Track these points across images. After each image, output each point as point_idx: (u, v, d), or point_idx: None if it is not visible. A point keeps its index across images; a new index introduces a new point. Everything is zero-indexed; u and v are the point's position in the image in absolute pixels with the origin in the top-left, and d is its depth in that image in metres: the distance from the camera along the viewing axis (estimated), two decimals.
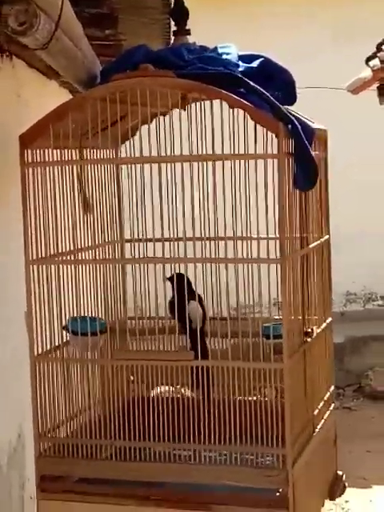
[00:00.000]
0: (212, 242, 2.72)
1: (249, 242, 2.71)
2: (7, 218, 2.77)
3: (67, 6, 2.74)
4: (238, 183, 2.66)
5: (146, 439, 2.73)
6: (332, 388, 3.25)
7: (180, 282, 2.72)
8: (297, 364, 2.72)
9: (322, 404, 3.07)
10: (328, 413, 3.17)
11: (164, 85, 2.62)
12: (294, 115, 2.71)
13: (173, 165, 2.68)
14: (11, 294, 2.83)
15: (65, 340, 2.87)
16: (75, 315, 2.87)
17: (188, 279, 2.80)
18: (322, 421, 3.06)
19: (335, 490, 3.20)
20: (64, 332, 2.88)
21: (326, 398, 3.14)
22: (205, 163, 2.65)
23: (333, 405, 3.25)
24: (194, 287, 2.81)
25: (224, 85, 2.61)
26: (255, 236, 2.64)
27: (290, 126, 2.58)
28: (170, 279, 2.71)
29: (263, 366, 2.64)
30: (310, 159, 2.61)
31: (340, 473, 3.35)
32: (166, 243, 2.74)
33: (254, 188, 2.63)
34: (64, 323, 2.84)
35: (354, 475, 3.48)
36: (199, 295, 2.83)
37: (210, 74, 2.63)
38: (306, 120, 2.78)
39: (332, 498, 3.19)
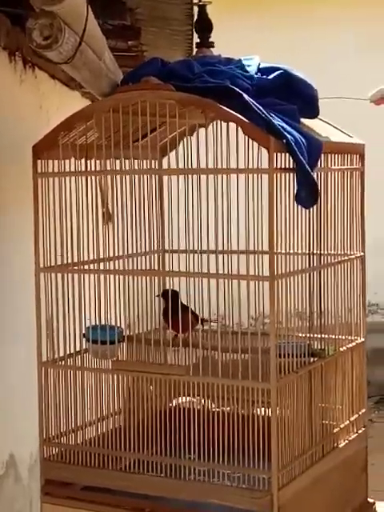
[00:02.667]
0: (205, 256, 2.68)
1: (245, 256, 2.65)
2: (28, 227, 2.84)
3: (91, 18, 2.78)
4: (233, 197, 2.61)
5: (140, 451, 2.73)
6: (362, 411, 3.13)
7: (170, 297, 2.74)
8: (294, 384, 2.64)
9: (341, 428, 2.96)
10: (354, 436, 3.05)
11: (163, 97, 2.62)
12: (300, 130, 2.63)
13: (169, 177, 2.68)
14: (31, 302, 2.90)
15: (78, 348, 2.92)
16: (93, 324, 2.91)
17: (176, 294, 2.81)
18: (342, 445, 2.95)
19: None
20: (78, 339, 2.92)
21: (349, 422, 3.02)
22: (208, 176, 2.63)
23: (363, 429, 3.13)
24: (181, 301, 2.80)
25: (222, 98, 2.58)
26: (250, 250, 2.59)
27: (284, 141, 2.51)
28: (164, 295, 2.73)
29: (251, 384, 2.58)
30: (307, 175, 2.53)
31: (371, 500, 3.22)
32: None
33: (252, 202, 2.59)
34: (77, 331, 2.89)
35: (375, 489, 3.34)
36: (190, 308, 2.81)
37: (208, 87, 2.60)
38: (314, 134, 2.71)
39: None
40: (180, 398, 2.85)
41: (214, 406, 2.76)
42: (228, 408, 2.69)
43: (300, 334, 2.82)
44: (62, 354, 2.86)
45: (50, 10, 2.20)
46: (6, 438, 2.47)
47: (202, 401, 2.76)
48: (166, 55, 2.85)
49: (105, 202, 3.08)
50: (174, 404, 2.91)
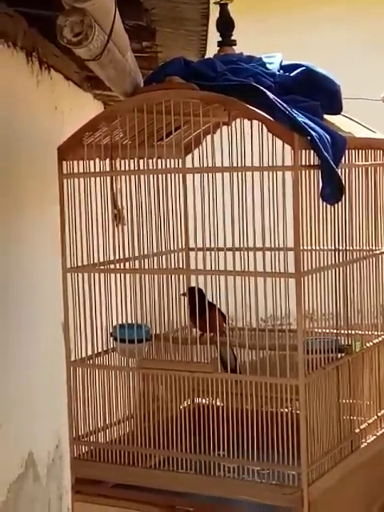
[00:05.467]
0: (237, 253, 2.68)
1: (273, 253, 2.65)
2: (46, 227, 2.86)
3: (118, 16, 2.79)
4: (262, 195, 2.62)
5: (172, 449, 2.74)
6: None
7: (197, 295, 2.74)
8: (322, 380, 2.65)
9: (369, 424, 2.96)
10: (382, 432, 3.05)
11: (187, 96, 2.63)
12: (323, 126, 2.64)
13: (193, 175, 2.69)
14: (50, 301, 2.92)
15: (105, 347, 2.93)
16: (119, 323, 2.93)
17: (201, 292, 2.81)
18: (370, 441, 2.96)
19: None
20: (106, 338, 2.94)
21: (377, 417, 3.02)
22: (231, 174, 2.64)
23: None
24: (208, 300, 2.80)
25: (246, 96, 2.58)
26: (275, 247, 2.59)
27: (308, 138, 2.51)
28: (189, 293, 2.73)
29: (279, 381, 2.59)
30: (331, 172, 2.53)
31: None
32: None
33: (277, 200, 2.59)
34: (104, 330, 2.90)
35: None
36: (217, 307, 2.81)
37: (231, 85, 2.61)
38: (339, 130, 2.71)
39: None
40: (208, 396, 2.86)
41: (242, 403, 2.76)
42: (256, 405, 2.70)
43: (327, 331, 2.82)
44: (89, 354, 2.88)
45: (82, 6, 2.22)
46: (25, 437, 2.49)
47: (231, 398, 2.76)
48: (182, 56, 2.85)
49: (116, 204, 3.09)
50: (202, 401, 2.92)
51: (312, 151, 2.56)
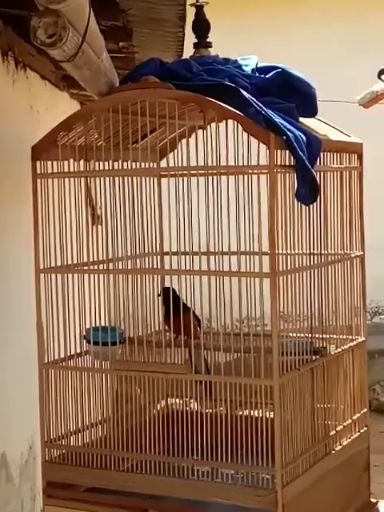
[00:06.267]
0: (215, 257, 2.67)
1: (251, 256, 2.64)
2: (21, 227, 2.84)
3: (92, 18, 2.78)
4: (237, 196, 2.61)
5: (146, 452, 2.72)
6: (364, 411, 3.12)
7: (171, 296, 2.72)
8: (296, 382, 2.64)
9: (343, 426, 2.95)
10: (355, 436, 3.04)
11: (162, 96, 2.62)
12: (299, 127, 2.64)
13: (168, 179, 2.68)
14: (25, 302, 2.89)
15: (79, 349, 2.91)
16: (92, 325, 2.90)
17: (175, 293, 2.79)
18: (344, 444, 2.95)
19: None
20: (80, 341, 2.91)
21: (351, 421, 3.01)
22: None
23: (365, 429, 3.12)
24: (182, 300, 2.78)
25: (222, 96, 2.58)
26: (250, 250, 2.58)
27: (284, 138, 2.51)
28: (164, 293, 2.71)
29: (253, 381, 2.57)
30: (307, 172, 2.53)
31: (374, 500, 3.21)
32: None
33: (256, 201, 2.58)
34: (77, 332, 2.88)
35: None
36: (191, 310, 2.80)
37: (207, 85, 2.61)
38: (316, 132, 2.71)
39: None
40: (181, 399, 2.84)
41: (216, 405, 2.74)
42: (230, 408, 2.68)
43: (301, 334, 2.82)
44: (62, 356, 2.85)
45: (55, 8, 2.21)
46: None
47: (204, 400, 2.75)
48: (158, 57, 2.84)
49: (92, 204, 3.07)
50: (175, 404, 2.90)
51: (287, 152, 2.56)
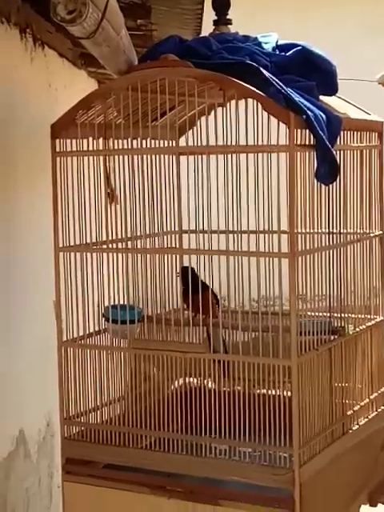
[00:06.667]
0: (233, 235, 2.67)
1: (269, 235, 2.63)
2: (41, 206, 2.84)
3: None
4: (256, 175, 2.60)
5: (164, 430, 2.73)
6: (382, 390, 3.12)
7: (189, 274, 2.72)
8: (314, 362, 2.64)
9: (361, 406, 2.95)
10: (373, 415, 3.05)
11: (182, 74, 2.61)
12: (319, 106, 2.62)
13: (187, 157, 2.67)
14: (43, 281, 2.90)
15: (98, 328, 2.92)
16: (111, 304, 2.91)
17: (194, 272, 2.79)
18: (361, 423, 2.95)
19: (377, 496, 3.07)
20: (98, 319, 2.92)
21: (368, 400, 3.01)
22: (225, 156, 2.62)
23: (383, 408, 3.12)
24: (202, 280, 2.78)
25: (241, 75, 2.56)
26: (269, 230, 2.57)
27: (304, 117, 2.49)
28: (183, 272, 2.71)
29: (272, 361, 2.57)
30: (327, 151, 2.52)
31: None
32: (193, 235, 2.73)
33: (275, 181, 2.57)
34: (96, 310, 2.89)
35: None
36: (210, 288, 2.80)
37: (226, 63, 2.59)
38: (334, 111, 2.69)
39: (372, 505, 3.07)
40: (200, 377, 2.85)
41: (234, 384, 2.75)
42: (248, 387, 2.69)
43: (319, 313, 2.81)
44: (81, 334, 2.86)
45: None
46: (16, 414, 2.47)
47: (222, 379, 2.75)
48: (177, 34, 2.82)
49: (109, 183, 3.06)
50: (194, 383, 2.90)
51: (307, 131, 2.54)
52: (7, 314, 2.43)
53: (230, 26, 2.97)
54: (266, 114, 2.54)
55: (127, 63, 2.92)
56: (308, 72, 2.78)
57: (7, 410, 2.45)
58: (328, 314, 2.81)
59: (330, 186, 2.72)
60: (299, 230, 2.60)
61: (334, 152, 2.55)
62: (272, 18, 6.40)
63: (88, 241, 2.84)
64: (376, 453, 3.11)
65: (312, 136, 2.55)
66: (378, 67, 3.94)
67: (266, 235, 2.58)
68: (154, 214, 2.89)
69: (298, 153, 2.52)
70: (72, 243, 2.83)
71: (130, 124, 2.71)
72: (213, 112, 2.88)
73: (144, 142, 2.81)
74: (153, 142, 2.85)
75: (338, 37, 7.14)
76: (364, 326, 2.98)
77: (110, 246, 2.85)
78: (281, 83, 2.51)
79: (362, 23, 7.48)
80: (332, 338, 2.78)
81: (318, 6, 7.39)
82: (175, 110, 3.05)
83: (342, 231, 2.82)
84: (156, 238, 2.98)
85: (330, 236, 2.75)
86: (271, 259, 2.60)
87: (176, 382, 2.88)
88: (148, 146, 2.79)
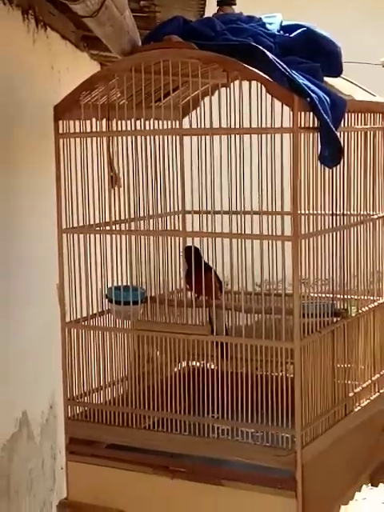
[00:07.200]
0: (237, 216, 2.67)
1: (272, 216, 2.64)
2: (44, 188, 2.84)
3: None
4: (260, 157, 2.59)
5: (166, 410, 2.75)
6: None
7: (192, 255, 2.72)
8: (317, 344, 2.65)
9: (363, 387, 2.97)
10: (375, 396, 3.06)
11: (185, 56, 2.60)
12: (323, 88, 2.61)
13: (190, 138, 2.66)
14: (46, 262, 2.90)
15: (101, 308, 2.93)
16: (114, 285, 2.92)
17: (197, 251, 2.79)
18: (363, 404, 2.96)
19: (379, 476, 3.09)
20: (102, 300, 2.93)
21: (370, 382, 3.02)
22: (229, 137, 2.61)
23: None
24: (205, 262, 2.78)
25: (245, 56, 2.55)
26: (272, 211, 2.58)
27: (308, 100, 2.49)
28: (186, 252, 2.71)
29: (274, 344, 2.58)
30: (331, 134, 2.51)
31: None
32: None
33: (279, 162, 2.57)
34: (99, 291, 2.89)
35: None
36: (213, 270, 2.80)
37: (230, 45, 2.58)
38: (339, 93, 2.68)
39: (374, 485, 3.10)
40: (201, 359, 2.86)
41: (237, 365, 2.76)
42: (251, 368, 2.70)
43: (322, 295, 2.82)
44: (84, 315, 2.87)
45: None
46: (19, 396, 2.48)
47: (221, 361, 2.76)
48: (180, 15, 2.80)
49: (112, 165, 3.06)
50: (197, 364, 2.92)
51: (311, 113, 2.54)
52: (10, 297, 2.43)
53: (233, 7, 2.95)
54: (269, 95, 2.53)
55: (131, 44, 2.91)
56: (312, 53, 2.77)
57: (10, 392, 2.46)
58: (331, 296, 2.82)
59: (334, 167, 2.71)
60: (303, 212, 2.59)
61: (338, 135, 2.55)
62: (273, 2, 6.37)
63: (91, 222, 2.84)
64: (378, 434, 3.13)
65: (316, 119, 2.54)
66: (378, 52, 3.92)
67: (269, 217, 2.58)
68: (158, 195, 2.89)
69: (302, 135, 2.51)
70: (75, 225, 2.83)
71: (134, 105, 2.71)
72: (216, 93, 2.87)
73: (147, 123, 2.81)
74: (156, 122, 2.84)
75: (338, 21, 7.11)
76: (367, 308, 2.98)
77: (114, 227, 2.85)
78: (285, 65, 2.50)
79: (362, 8, 7.44)
80: (335, 320, 2.78)
81: None
82: (178, 91, 3.04)
83: (345, 213, 2.82)
84: (159, 219, 2.99)
85: (334, 217, 2.75)
86: (274, 242, 2.60)
87: (178, 364, 2.89)
88: (151, 127, 2.79)
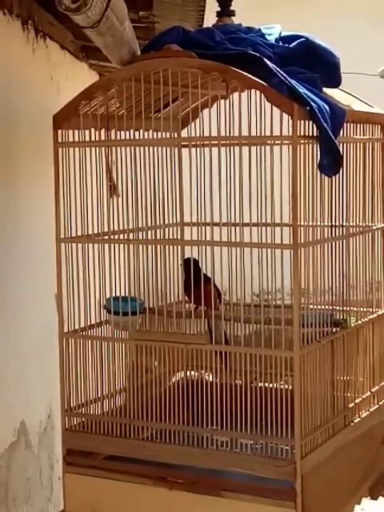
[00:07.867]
0: (235, 228, 2.66)
1: (271, 228, 2.62)
2: (42, 197, 2.83)
3: None
4: (258, 166, 2.59)
5: (165, 421, 2.73)
6: (383, 383, 3.12)
7: (192, 266, 2.71)
8: (316, 354, 2.63)
9: (362, 398, 2.95)
10: (374, 408, 3.04)
11: (185, 65, 2.60)
12: (323, 98, 2.61)
13: (189, 148, 2.66)
14: (45, 272, 2.89)
15: (99, 319, 2.91)
16: (112, 295, 2.90)
17: (196, 263, 2.78)
18: (363, 416, 2.95)
19: (379, 489, 3.07)
20: (100, 310, 2.92)
21: (370, 393, 3.01)
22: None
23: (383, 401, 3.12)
24: (204, 273, 2.77)
25: (245, 65, 2.56)
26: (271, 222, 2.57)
27: (308, 108, 2.49)
28: (185, 263, 2.70)
29: (274, 353, 2.57)
30: (330, 143, 2.51)
31: None
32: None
33: (278, 172, 2.57)
34: (97, 302, 2.88)
35: None
36: (209, 278, 2.79)
37: (230, 54, 2.59)
38: (339, 103, 2.69)
39: (373, 497, 3.07)
40: (200, 369, 2.85)
41: (235, 376, 2.74)
42: (249, 378, 2.68)
43: (321, 306, 2.81)
44: (82, 325, 2.86)
45: None
46: (17, 406, 2.47)
47: (224, 371, 2.75)
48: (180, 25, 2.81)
49: (111, 175, 3.05)
50: (195, 375, 2.90)
51: (311, 122, 2.54)
52: (9, 306, 2.42)
53: (233, 18, 2.96)
54: (268, 105, 2.53)
55: (130, 54, 2.91)
56: (311, 64, 2.78)
57: (9, 401, 2.45)
58: (330, 307, 2.81)
59: (333, 178, 2.71)
60: (301, 223, 2.59)
61: (338, 144, 2.55)
62: (273, 10, 6.39)
63: (89, 232, 2.83)
64: (377, 446, 3.11)
65: (315, 127, 2.54)
66: (378, 58, 3.93)
67: (268, 228, 2.57)
68: (156, 205, 2.89)
69: (301, 144, 2.51)
70: (73, 234, 2.83)
71: (133, 115, 2.71)
72: (215, 105, 2.88)
73: (146, 133, 2.81)
74: (155, 133, 2.84)
75: (337, 28, 7.13)
76: (366, 319, 2.97)
77: (112, 237, 2.85)
78: (285, 74, 2.50)
79: (362, 14, 7.46)
80: (334, 330, 2.77)
81: None
82: (178, 102, 3.05)
83: (344, 224, 2.81)
84: (158, 230, 2.98)
85: (333, 229, 2.75)
86: (273, 252, 2.59)
87: (177, 374, 2.88)
88: (150, 137, 2.78)
